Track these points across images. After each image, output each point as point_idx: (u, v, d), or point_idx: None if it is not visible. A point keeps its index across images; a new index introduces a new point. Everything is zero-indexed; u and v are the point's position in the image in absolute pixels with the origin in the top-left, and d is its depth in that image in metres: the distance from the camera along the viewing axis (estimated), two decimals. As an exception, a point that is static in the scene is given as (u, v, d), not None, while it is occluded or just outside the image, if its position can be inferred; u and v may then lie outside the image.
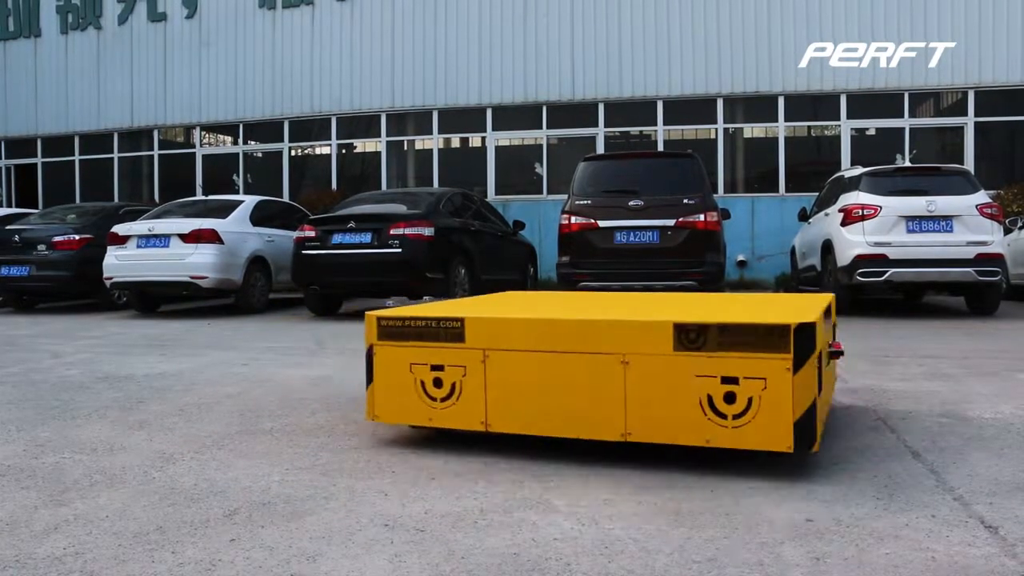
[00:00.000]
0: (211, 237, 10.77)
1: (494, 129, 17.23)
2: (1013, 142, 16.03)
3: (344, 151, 19.00)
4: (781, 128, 15.98)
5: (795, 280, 12.65)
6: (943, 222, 9.33)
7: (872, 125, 16.36)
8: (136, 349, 7.50)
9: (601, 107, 16.57)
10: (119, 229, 11.14)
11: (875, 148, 16.32)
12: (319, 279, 10.37)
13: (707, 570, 2.28)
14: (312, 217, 11.19)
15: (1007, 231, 11.08)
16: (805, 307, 3.73)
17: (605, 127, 16.62)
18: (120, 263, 10.98)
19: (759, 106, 16.23)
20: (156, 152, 19.59)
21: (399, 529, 2.64)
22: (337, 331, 8.96)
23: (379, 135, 18.03)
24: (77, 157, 20.18)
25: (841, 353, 3.84)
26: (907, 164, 14.47)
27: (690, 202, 9.58)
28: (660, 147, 16.22)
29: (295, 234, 10.72)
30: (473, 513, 2.78)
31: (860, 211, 9.51)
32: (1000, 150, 16.32)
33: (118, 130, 19.77)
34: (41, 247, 11.68)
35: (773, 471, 3.24)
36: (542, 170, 17.04)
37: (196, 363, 6.52)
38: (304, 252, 10.35)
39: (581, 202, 9.87)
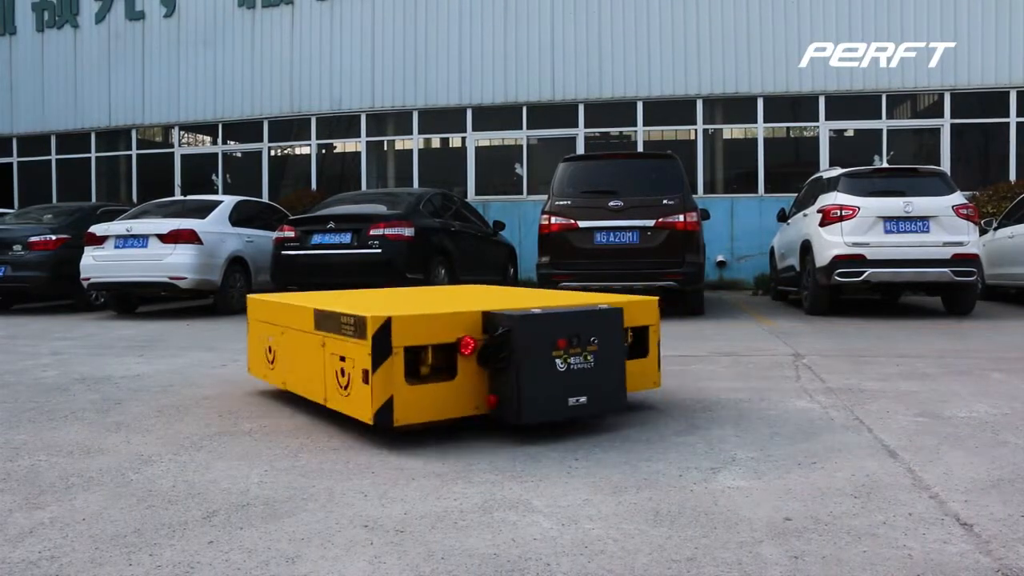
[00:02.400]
0: (190, 237, 10.70)
1: (474, 129, 17.21)
2: (988, 144, 16.18)
3: (324, 151, 18.92)
4: (760, 129, 16.06)
5: (774, 281, 12.72)
6: (920, 223, 9.41)
7: (850, 126, 16.47)
8: (114, 350, 7.44)
9: (581, 108, 16.59)
10: (97, 229, 11.04)
11: (853, 149, 16.43)
12: (298, 280, 10.32)
13: (686, 569, 2.29)
14: (292, 217, 11.14)
15: (982, 232, 11.18)
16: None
17: (585, 128, 16.64)
18: (98, 263, 10.88)
19: (738, 107, 16.30)
20: (134, 152, 19.41)
21: (379, 530, 2.63)
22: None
23: (359, 135, 17.96)
24: (54, 156, 19.96)
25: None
26: (885, 165, 14.58)
27: (670, 203, 9.61)
28: (640, 148, 16.25)
29: (274, 234, 10.67)
30: (453, 514, 2.78)
31: (838, 212, 9.58)
32: (975, 152, 16.48)
33: (95, 129, 19.58)
34: (17, 247, 11.55)
35: (752, 471, 3.26)
36: (522, 170, 17.04)
37: (174, 364, 6.48)
38: (283, 253, 10.30)
39: (561, 202, 9.88)
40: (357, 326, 3.67)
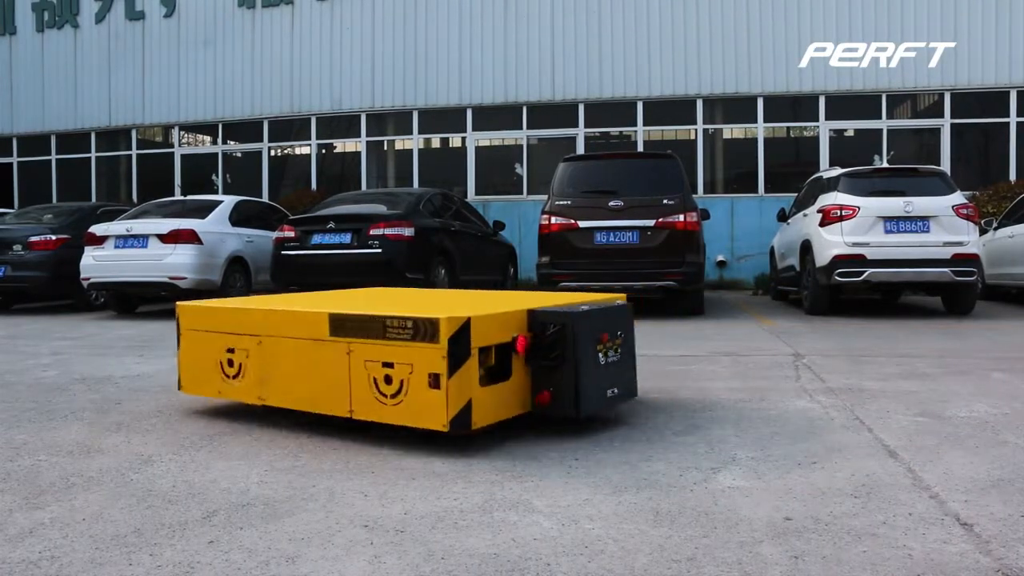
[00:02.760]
0: (190, 237, 10.69)
1: (474, 129, 17.21)
2: (988, 144, 16.17)
3: (324, 151, 18.92)
4: (760, 129, 16.05)
5: (774, 281, 12.72)
6: (920, 223, 9.41)
7: (850, 126, 16.47)
8: (113, 350, 7.44)
9: (581, 108, 16.58)
10: (97, 229, 11.03)
11: (853, 149, 16.43)
12: (299, 280, 10.31)
13: (687, 569, 2.29)
14: (292, 217, 11.13)
15: (982, 232, 11.18)
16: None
17: (585, 127, 16.64)
18: (98, 263, 10.88)
19: (739, 107, 16.29)
20: (134, 152, 19.41)
21: (379, 530, 2.63)
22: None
23: (359, 135, 17.96)
24: (54, 156, 19.96)
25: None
26: (885, 165, 14.58)
27: (670, 202, 9.61)
28: (640, 148, 16.24)
29: (275, 234, 10.67)
30: (453, 514, 2.78)
31: (838, 211, 9.57)
32: (976, 152, 16.48)
33: (95, 130, 19.58)
34: (17, 247, 11.55)
35: (752, 471, 3.26)
36: (522, 170, 17.04)
37: (174, 364, 6.45)
38: (284, 252, 10.30)
39: (561, 202, 9.87)
40: (420, 329, 3.51)
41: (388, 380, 3.63)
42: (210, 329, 4.43)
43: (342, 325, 3.81)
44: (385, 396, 3.64)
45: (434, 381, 3.46)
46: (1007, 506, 2.79)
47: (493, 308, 3.83)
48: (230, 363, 4.30)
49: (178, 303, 4.70)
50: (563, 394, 3.75)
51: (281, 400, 4.15)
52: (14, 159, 20.30)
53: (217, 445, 3.79)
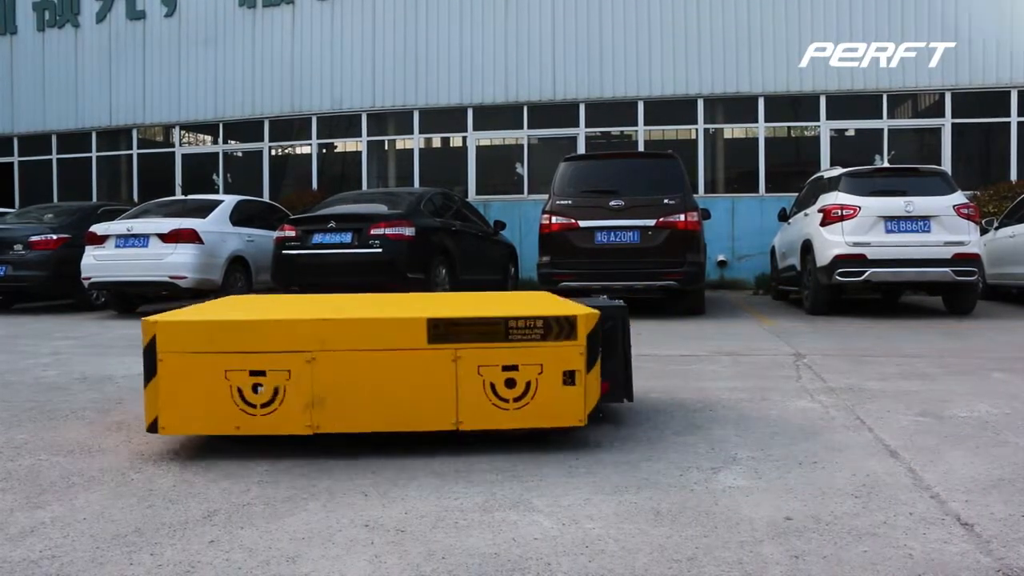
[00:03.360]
0: (190, 237, 10.69)
1: (475, 129, 17.20)
2: (989, 143, 16.17)
3: (324, 151, 18.91)
4: (761, 129, 16.04)
5: (775, 280, 12.71)
6: (921, 222, 9.41)
7: (851, 126, 16.46)
8: (114, 350, 7.44)
9: (582, 107, 16.58)
10: (97, 229, 11.03)
11: (854, 149, 16.42)
12: (299, 279, 10.32)
13: (687, 569, 2.29)
14: (292, 217, 11.12)
15: (983, 231, 11.17)
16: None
17: (586, 127, 16.63)
18: (98, 263, 10.87)
19: (739, 107, 16.29)
20: (135, 151, 19.40)
21: (379, 529, 2.63)
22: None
23: (360, 135, 17.96)
24: (55, 156, 19.96)
25: None
26: (886, 165, 14.57)
27: (670, 202, 9.60)
28: (641, 147, 16.23)
29: (275, 234, 10.67)
30: (453, 513, 2.78)
31: (839, 211, 9.57)
32: (976, 151, 16.47)
33: (96, 129, 19.58)
34: (18, 247, 11.54)
35: (753, 470, 3.26)
36: (523, 170, 17.03)
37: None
38: (284, 252, 10.29)
39: (562, 202, 9.87)
40: (553, 328, 3.52)
41: (510, 383, 3.54)
42: (215, 350, 3.56)
43: (447, 331, 3.54)
44: (506, 401, 3.54)
45: (569, 378, 3.54)
46: (1008, 506, 2.79)
47: (558, 306, 3.90)
48: (256, 389, 3.54)
49: (147, 320, 3.61)
50: (617, 383, 4.00)
51: (350, 424, 3.57)
52: (15, 159, 20.30)
53: (218, 445, 3.78)
